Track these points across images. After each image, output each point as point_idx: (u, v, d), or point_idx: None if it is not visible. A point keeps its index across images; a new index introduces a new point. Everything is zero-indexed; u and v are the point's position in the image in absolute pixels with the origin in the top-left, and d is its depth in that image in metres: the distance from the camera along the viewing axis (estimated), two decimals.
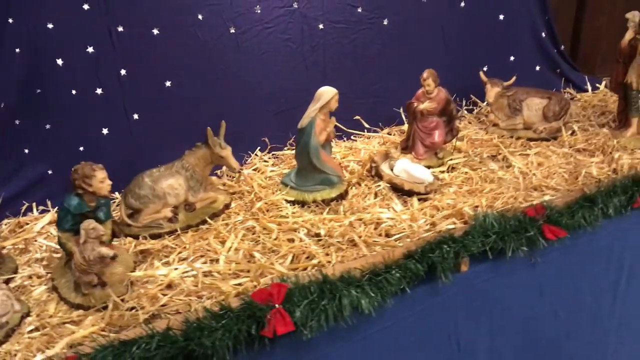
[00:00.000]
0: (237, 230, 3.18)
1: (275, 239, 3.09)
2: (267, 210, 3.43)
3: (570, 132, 4.38)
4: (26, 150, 3.58)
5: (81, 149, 3.68)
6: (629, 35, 4.05)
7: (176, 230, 3.20)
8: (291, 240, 3.08)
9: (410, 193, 3.51)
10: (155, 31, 3.79)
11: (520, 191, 3.51)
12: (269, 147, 4.29)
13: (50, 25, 3.49)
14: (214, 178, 3.62)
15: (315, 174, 3.50)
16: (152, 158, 3.66)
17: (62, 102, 3.60)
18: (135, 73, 3.79)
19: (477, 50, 4.96)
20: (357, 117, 4.57)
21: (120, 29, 3.69)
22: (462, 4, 4.82)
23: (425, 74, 3.78)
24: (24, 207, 3.49)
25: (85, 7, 3.56)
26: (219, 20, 3.98)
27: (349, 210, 3.39)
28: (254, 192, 3.59)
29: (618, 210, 3.35)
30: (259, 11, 4.09)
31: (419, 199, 3.48)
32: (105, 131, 3.76)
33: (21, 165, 3.58)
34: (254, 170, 3.96)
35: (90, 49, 3.62)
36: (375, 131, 4.60)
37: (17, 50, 3.43)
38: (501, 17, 4.99)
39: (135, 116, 3.84)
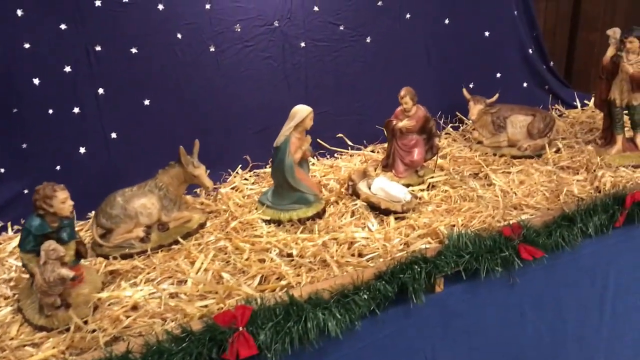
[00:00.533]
0: (209, 251, 3.14)
1: (246, 259, 3.05)
2: (243, 230, 3.39)
3: (555, 149, 4.33)
4: (2, 170, 3.57)
5: (58, 168, 3.67)
6: (610, 52, 4.00)
7: (147, 251, 3.16)
8: (262, 261, 3.04)
9: (387, 212, 3.46)
10: (134, 50, 3.80)
11: (499, 210, 3.46)
12: (250, 165, 4.26)
13: (27, 45, 3.50)
14: (188, 197, 3.59)
15: (291, 192, 3.46)
16: (130, 177, 3.64)
17: (38, 121, 3.60)
18: (113, 92, 3.79)
19: (463, 67, 4.93)
20: (340, 135, 4.54)
21: (98, 48, 3.69)
22: (447, 21, 4.81)
23: (402, 92, 3.76)
24: None
25: (63, 26, 3.57)
26: (198, 39, 3.98)
27: (324, 229, 3.34)
28: (229, 211, 3.55)
29: (599, 230, 3.30)
30: (238, 30, 4.09)
31: (396, 218, 3.44)
32: (82, 150, 3.75)
33: None
34: (232, 188, 3.92)
35: (67, 69, 3.63)
36: (358, 149, 4.56)
37: None
38: (487, 33, 4.97)
39: (114, 135, 3.83)
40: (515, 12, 5.07)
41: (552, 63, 5.51)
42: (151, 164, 3.76)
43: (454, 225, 3.29)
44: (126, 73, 3.80)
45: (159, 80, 3.91)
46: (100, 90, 3.75)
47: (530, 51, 5.22)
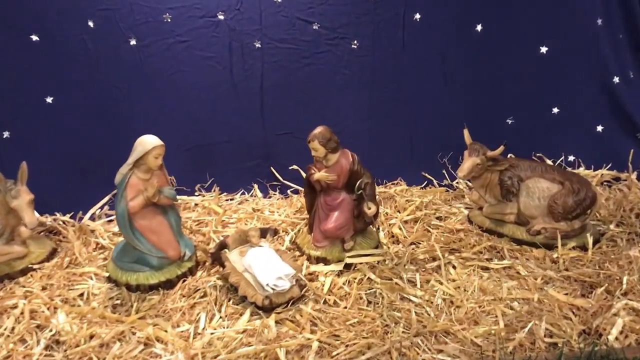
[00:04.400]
0: None
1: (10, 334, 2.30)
2: (68, 284, 2.64)
3: (577, 244, 2.80)
4: None
5: None
6: None
7: None
8: (23, 341, 2.26)
9: (246, 300, 2.44)
10: (34, 37, 3.17)
11: (407, 336, 2.23)
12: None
13: None
14: (23, 229, 2.88)
15: (131, 248, 2.60)
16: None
17: None
18: (7, 85, 3.22)
19: (498, 94, 3.50)
20: (295, 167, 3.48)
21: None
22: (479, 27, 3.40)
23: (312, 133, 2.62)
24: None
25: None
26: (115, 29, 3.23)
27: (148, 310, 2.44)
28: (72, 255, 2.82)
29: None
30: (169, 20, 3.24)
31: (253, 314, 2.40)
32: None
33: None
34: (109, 221, 3.17)
35: None
36: None
37: None
38: (543, 49, 3.43)
39: (6, 134, 3.29)
40: (599, 21, 3.43)
41: None
42: (49, 172, 3.20)
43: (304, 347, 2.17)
44: (24, 64, 3.20)
45: (65, 75, 3.26)
46: None
47: (617, 80, 3.52)
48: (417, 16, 3.36)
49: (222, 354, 2.17)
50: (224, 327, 2.34)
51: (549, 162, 3.52)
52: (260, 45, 3.34)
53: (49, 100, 3.29)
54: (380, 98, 3.47)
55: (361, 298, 2.49)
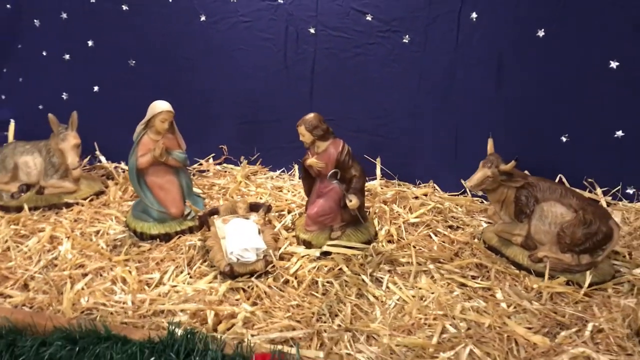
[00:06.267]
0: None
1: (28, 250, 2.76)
2: (91, 222, 3.06)
3: (568, 280, 2.51)
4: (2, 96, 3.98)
5: (40, 107, 3.88)
6: None
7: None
8: (31, 258, 2.70)
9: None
10: (125, 7, 3.64)
11: (338, 328, 2.25)
12: (223, 157, 3.74)
13: None
14: (76, 170, 3.32)
15: (141, 199, 2.93)
16: (102, 133, 3.68)
17: (33, 60, 3.84)
18: (102, 46, 3.76)
19: (554, 108, 3.17)
20: None
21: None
22: (540, 33, 3.11)
23: (302, 118, 2.68)
24: None
25: None
26: (189, 5, 3.57)
27: (136, 258, 2.74)
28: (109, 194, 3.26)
29: None
30: (235, 0, 3.48)
31: (216, 277, 2.58)
32: (64, 96, 3.87)
33: None
34: None
35: (64, 15, 3.72)
36: None
37: (8, 6, 3.78)
38: (613, 64, 3.03)
39: (96, 88, 3.83)
40: None
41: None
42: (124, 125, 3.68)
43: (233, 316, 2.30)
44: (116, 29, 3.70)
45: (147, 42, 3.70)
46: (90, 42, 3.75)
47: None
48: (474, 15, 3.19)
49: (166, 304, 2.40)
50: (185, 283, 2.56)
51: (599, 190, 3.14)
52: (314, 32, 3.45)
53: (132, 63, 3.75)
54: (428, 97, 3.37)
55: (318, 285, 2.53)
